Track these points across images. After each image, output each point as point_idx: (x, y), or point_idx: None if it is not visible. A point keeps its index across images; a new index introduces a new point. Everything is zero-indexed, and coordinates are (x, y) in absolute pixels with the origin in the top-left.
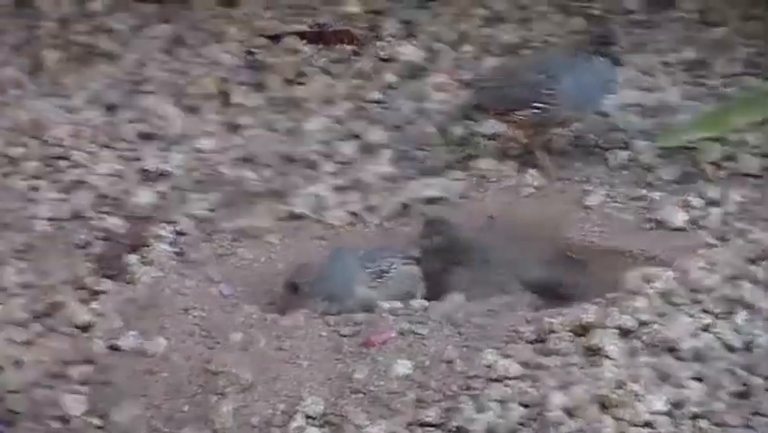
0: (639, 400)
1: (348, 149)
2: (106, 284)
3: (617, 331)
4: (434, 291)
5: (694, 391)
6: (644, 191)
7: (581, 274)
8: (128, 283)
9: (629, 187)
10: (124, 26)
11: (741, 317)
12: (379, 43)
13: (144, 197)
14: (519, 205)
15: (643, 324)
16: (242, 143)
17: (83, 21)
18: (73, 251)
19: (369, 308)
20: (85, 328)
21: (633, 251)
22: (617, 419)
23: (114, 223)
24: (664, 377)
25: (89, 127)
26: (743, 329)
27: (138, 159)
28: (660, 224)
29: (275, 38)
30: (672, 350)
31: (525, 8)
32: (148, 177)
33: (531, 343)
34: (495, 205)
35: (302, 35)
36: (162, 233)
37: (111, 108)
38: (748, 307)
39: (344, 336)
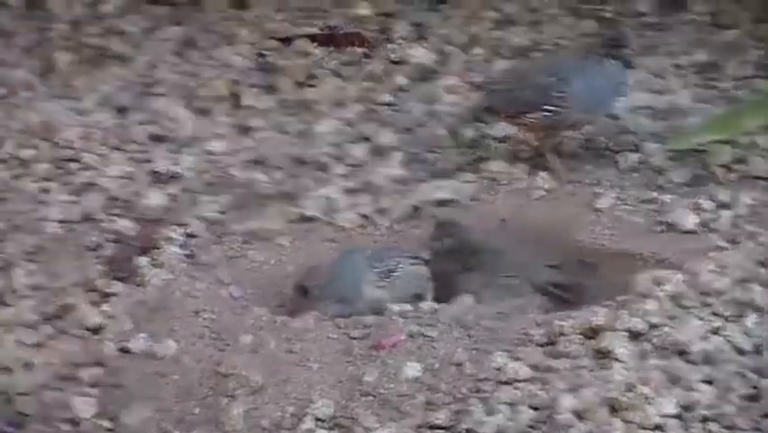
0: (649, 403)
1: (359, 151)
2: (117, 286)
3: (627, 334)
4: (445, 294)
5: (704, 394)
6: (654, 194)
7: (592, 277)
8: (138, 285)
9: (640, 189)
10: (136, 28)
11: (751, 320)
12: (389, 46)
13: (155, 199)
14: (530, 207)
15: (653, 327)
16: (253, 146)
17: (94, 23)
18: (84, 253)
19: (378, 308)
20: (95, 331)
21: (643, 254)
22: (626, 421)
23: (125, 225)
24: (674, 380)
25: (100, 129)
26: (753, 332)
27: (149, 161)
28: (670, 227)
29: (286, 40)
30: (682, 353)
31: (536, 11)
32: (159, 179)
33: (541, 345)
34: (506, 207)
35: (313, 38)
36: (173, 235)
37: (122, 110)
38: (758, 310)
39: (354, 338)
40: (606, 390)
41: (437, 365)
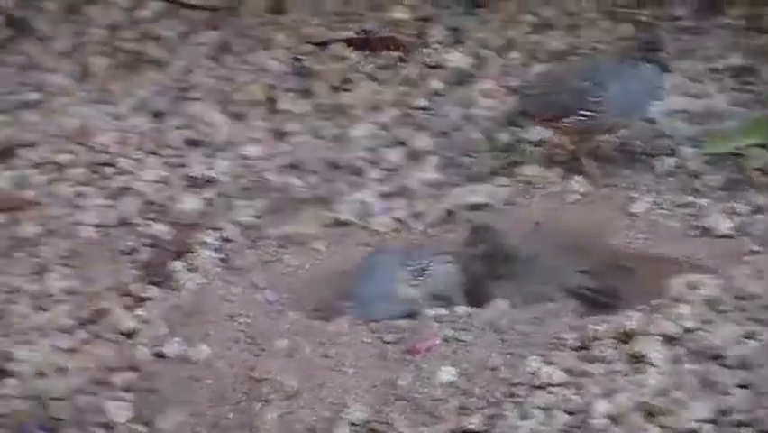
0: (683, 408)
1: (394, 155)
2: (152, 291)
3: (661, 338)
4: (479, 298)
5: (739, 398)
6: (690, 198)
7: (626, 281)
8: (173, 290)
9: (675, 193)
10: (172, 33)
11: None
12: (425, 50)
13: (190, 203)
14: (565, 211)
15: (687, 331)
16: (289, 150)
17: (131, 28)
18: (119, 257)
19: (411, 308)
20: (129, 335)
21: (678, 258)
22: (661, 426)
23: (160, 229)
24: (709, 385)
25: (136, 134)
26: None
27: (184, 165)
28: (706, 231)
29: (322, 45)
30: (716, 357)
31: (574, 15)
32: (194, 183)
33: (575, 350)
34: (540, 211)
35: (349, 42)
36: (208, 239)
37: (158, 115)
38: None
39: (389, 342)
40: (640, 394)
41: (471, 370)
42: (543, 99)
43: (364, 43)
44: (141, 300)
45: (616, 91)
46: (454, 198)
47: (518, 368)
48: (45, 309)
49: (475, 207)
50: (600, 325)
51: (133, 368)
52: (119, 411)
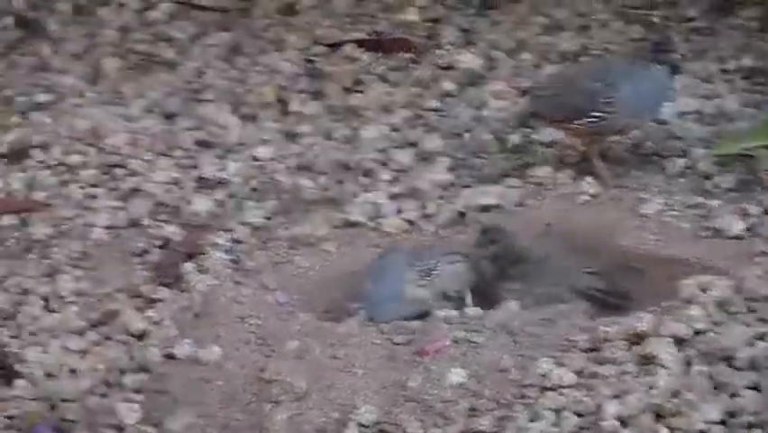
0: (694, 410)
1: (405, 157)
2: (162, 292)
3: (671, 340)
4: (490, 299)
5: (749, 400)
6: (701, 199)
7: (637, 282)
8: (184, 291)
9: (686, 195)
10: (184, 35)
11: None
12: (437, 51)
13: (201, 205)
14: (576, 213)
15: (698, 333)
16: (300, 151)
17: (143, 29)
18: (129, 259)
19: (420, 308)
20: (140, 336)
21: (689, 259)
22: (671, 428)
23: (171, 231)
24: (720, 386)
25: (147, 135)
26: None
27: (195, 167)
28: (717, 232)
29: (334, 46)
30: (727, 359)
31: (585, 16)
32: (205, 185)
33: (585, 352)
34: (551, 213)
35: (361, 43)
36: (219, 241)
37: (169, 116)
38: None
39: (398, 344)
40: (650, 396)
41: (482, 371)
42: (554, 100)
43: (376, 45)
44: (151, 302)
45: (627, 92)
46: (465, 200)
47: (529, 369)
48: (56, 311)
49: (486, 209)
50: (611, 326)
51: (144, 369)
52: (129, 413)
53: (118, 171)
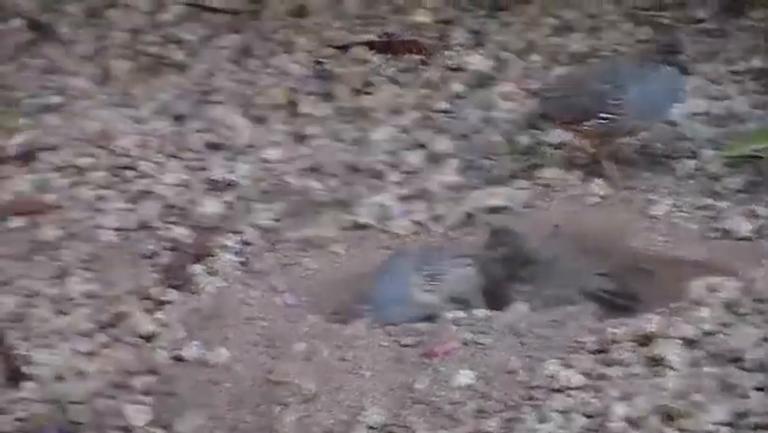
0: (702, 411)
1: (414, 158)
2: (171, 294)
3: (680, 341)
4: (498, 301)
5: (757, 401)
6: (710, 201)
7: (646, 284)
8: (193, 293)
9: (695, 196)
10: (194, 37)
11: None
12: (447, 53)
13: (210, 207)
14: (584, 214)
15: (706, 334)
16: (309, 153)
17: (153, 31)
18: (139, 261)
19: (428, 312)
20: (149, 339)
21: (697, 260)
22: (679, 429)
23: (181, 233)
24: (727, 387)
25: (157, 137)
26: None
27: (205, 169)
28: (725, 233)
29: (343, 48)
30: (735, 360)
31: (594, 17)
32: (214, 187)
33: (594, 353)
34: (560, 214)
35: (370, 45)
36: (228, 243)
37: (179, 118)
38: None
39: (406, 346)
40: (659, 397)
41: (490, 373)
42: (563, 102)
43: (386, 46)
44: (160, 304)
45: (636, 94)
46: (474, 201)
47: (537, 371)
48: (65, 313)
49: (495, 210)
50: (619, 328)
51: (152, 371)
52: (138, 415)
53: (128, 173)
